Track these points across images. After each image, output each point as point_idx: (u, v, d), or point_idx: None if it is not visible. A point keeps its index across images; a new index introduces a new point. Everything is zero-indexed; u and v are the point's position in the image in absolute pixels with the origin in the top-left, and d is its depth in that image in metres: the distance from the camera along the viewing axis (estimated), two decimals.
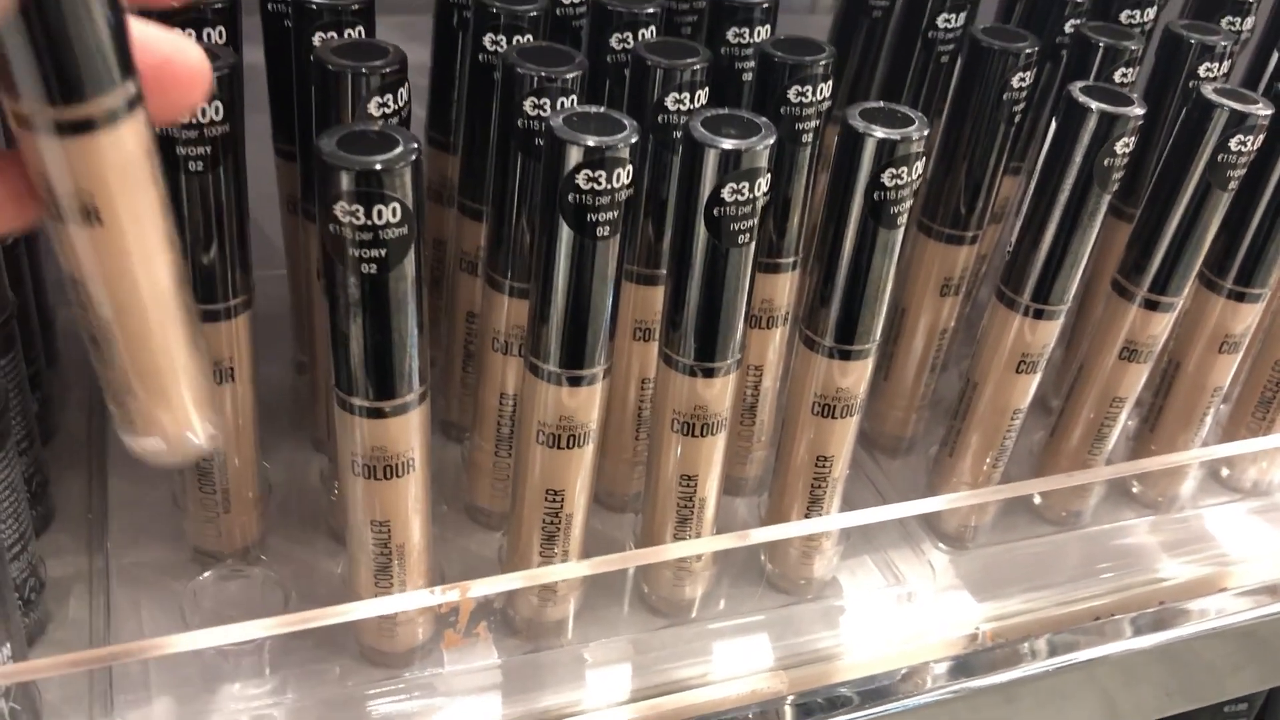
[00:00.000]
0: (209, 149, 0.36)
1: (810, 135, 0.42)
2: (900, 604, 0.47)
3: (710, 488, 0.42)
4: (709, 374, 0.39)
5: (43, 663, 0.35)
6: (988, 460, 0.48)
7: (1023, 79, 0.45)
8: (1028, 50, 0.44)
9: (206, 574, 0.43)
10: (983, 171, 0.47)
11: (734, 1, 0.45)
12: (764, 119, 0.36)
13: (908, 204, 0.38)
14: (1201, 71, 0.48)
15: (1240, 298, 0.48)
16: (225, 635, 0.34)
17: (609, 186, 0.34)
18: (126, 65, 0.20)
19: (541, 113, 0.38)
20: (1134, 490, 0.54)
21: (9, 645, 0.35)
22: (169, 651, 0.33)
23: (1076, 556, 0.50)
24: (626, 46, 0.43)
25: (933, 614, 0.46)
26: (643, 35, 0.43)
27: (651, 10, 0.43)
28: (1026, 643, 0.46)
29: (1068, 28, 0.50)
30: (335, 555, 0.45)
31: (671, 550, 0.41)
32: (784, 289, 0.45)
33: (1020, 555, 0.50)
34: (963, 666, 0.45)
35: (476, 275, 0.47)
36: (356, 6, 0.41)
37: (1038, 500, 0.52)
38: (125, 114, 0.20)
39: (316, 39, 0.41)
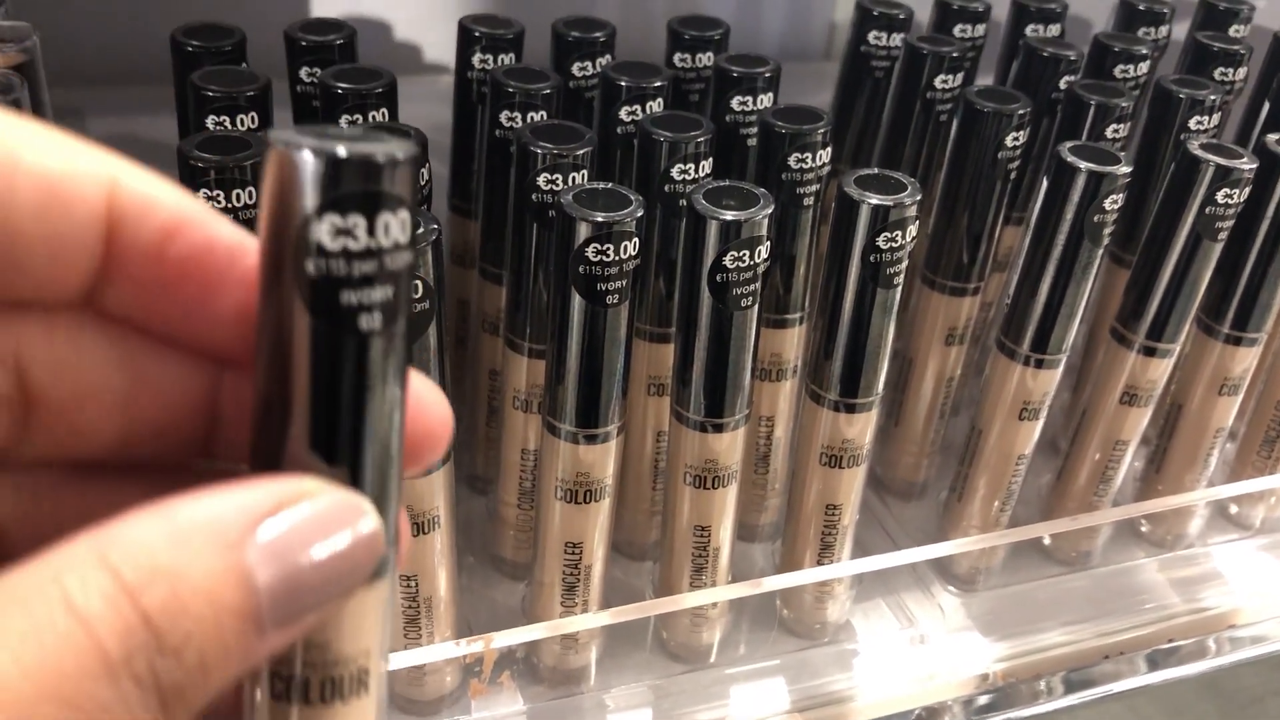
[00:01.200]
0: None
1: (811, 199, 0.44)
2: (913, 646, 0.48)
3: (723, 537, 0.44)
4: (718, 429, 0.41)
5: None
6: (995, 504, 0.50)
7: (1016, 138, 0.47)
8: (1020, 111, 0.46)
9: None
10: (981, 226, 0.49)
11: (737, 72, 0.47)
12: (762, 190, 0.38)
13: (903, 265, 0.40)
14: (1192, 124, 0.50)
15: (1238, 342, 0.49)
16: None
17: (617, 258, 0.36)
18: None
19: (554, 187, 0.40)
20: (1143, 529, 0.55)
21: None
22: None
23: (1086, 595, 0.52)
24: (635, 118, 0.45)
25: (944, 655, 0.48)
26: (650, 107, 0.45)
27: (659, 83, 0.45)
28: (1040, 681, 0.47)
29: (1062, 84, 0.52)
30: None
31: (687, 599, 0.43)
32: (791, 343, 0.47)
33: (1030, 596, 0.51)
34: (976, 706, 0.46)
35: (497, 336, 0.49)
36: (380, 90, 0.43)
37: (1047, 541, 0.53)
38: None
39: (343, 121, 0.43)
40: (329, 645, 0.18)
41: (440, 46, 0.74)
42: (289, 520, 0.17)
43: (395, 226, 0.17)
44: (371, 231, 0.17)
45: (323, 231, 0.17)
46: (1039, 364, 0.46)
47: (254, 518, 0.16)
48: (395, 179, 0.17)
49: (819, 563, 0.46)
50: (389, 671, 0.41)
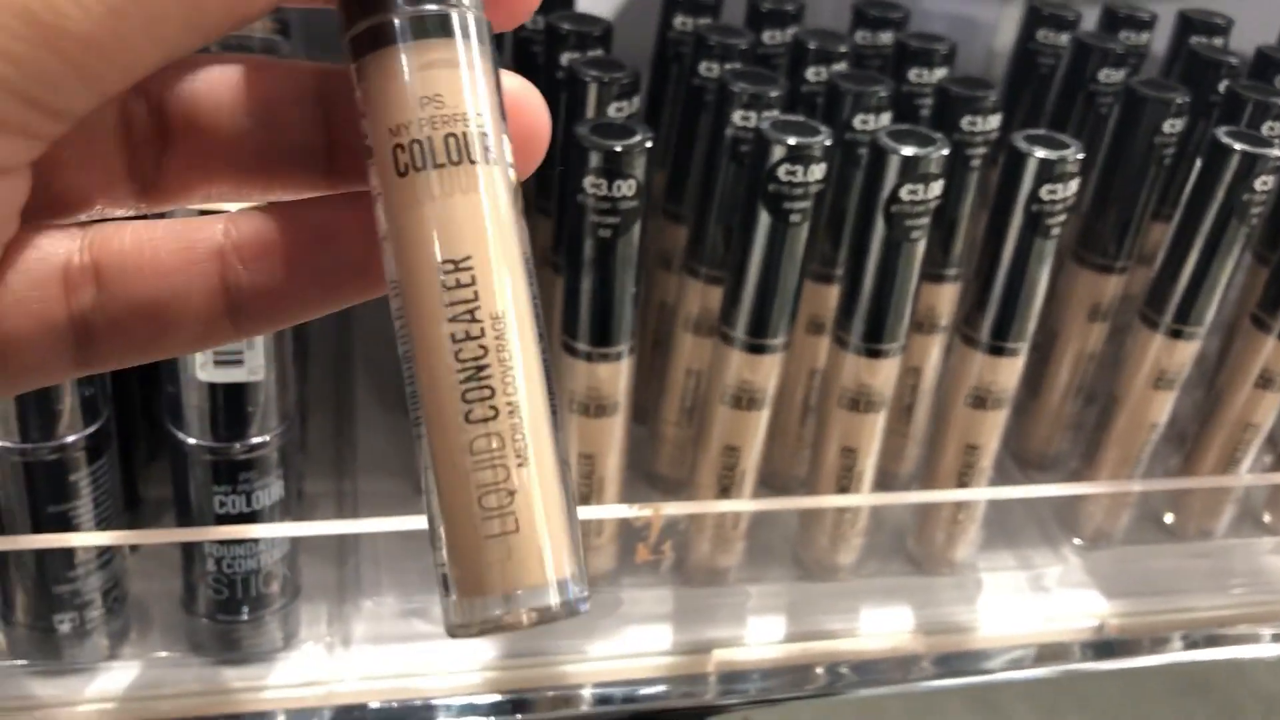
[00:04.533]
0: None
1: (978, 160, 0.48)
2: (1032, 591, 0.51)
3: (868, 463, 0.48)
4: (876, 354, 0.45)
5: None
6: (1125, 471, 0.53)
7: (1174, 125, 0.50)
8: (1179, 100, 0.50)
9: None
10: (1133, 207, 0.52)
11: (916, 46, 0.51)
12: (939, 134, 0.42)
13: (1061, 218, 0.44)
14: None
15: None
16: None
17: (804, 180, 0.41)
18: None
19: (748, 123, 0.45)
20: (1265, 520, 0.57)
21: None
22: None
23: (1203, 569, 0.54)
24: (821, 78, 0.50)
25: (1062, 603, 0.51)
26: (835, 69, 0.50)
27: (844, 49, 0.50)
28: (1152, 638, 0.50)
29: (1221, 87, 0.55)
30: None
31: (834, 500, 0.47)
32: (946, 298, 0.51)
33: (1149, 563, 0.54)
34: (1088, 652, 0.49)
35: (670, 271, 0.54)
36: (598, 33, 0.49)
37: (1169, 520, 0.56)
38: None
39: (565, 58, 0.49)
40: (441, 100, 0.18)
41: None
42: None
43: None
44: None
45: None
46: (1178, 334, 0.49)
47: None
48: None
49: (955, 506, 0.50)
50: None
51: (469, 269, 0.18)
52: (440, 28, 0.18)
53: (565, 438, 0.19)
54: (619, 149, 0.39)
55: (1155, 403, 0.51)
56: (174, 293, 0.19)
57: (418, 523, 0.44)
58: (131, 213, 0.20)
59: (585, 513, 0.43)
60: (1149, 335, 0.50)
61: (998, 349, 0.46)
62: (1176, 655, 0.50)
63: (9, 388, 0.19)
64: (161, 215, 0.21)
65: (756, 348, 0.44)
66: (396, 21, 0.18)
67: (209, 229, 0.19)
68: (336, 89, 0.20)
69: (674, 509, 0.43)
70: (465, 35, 0.18)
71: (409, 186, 0.18)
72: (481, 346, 0.18)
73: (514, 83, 0.20)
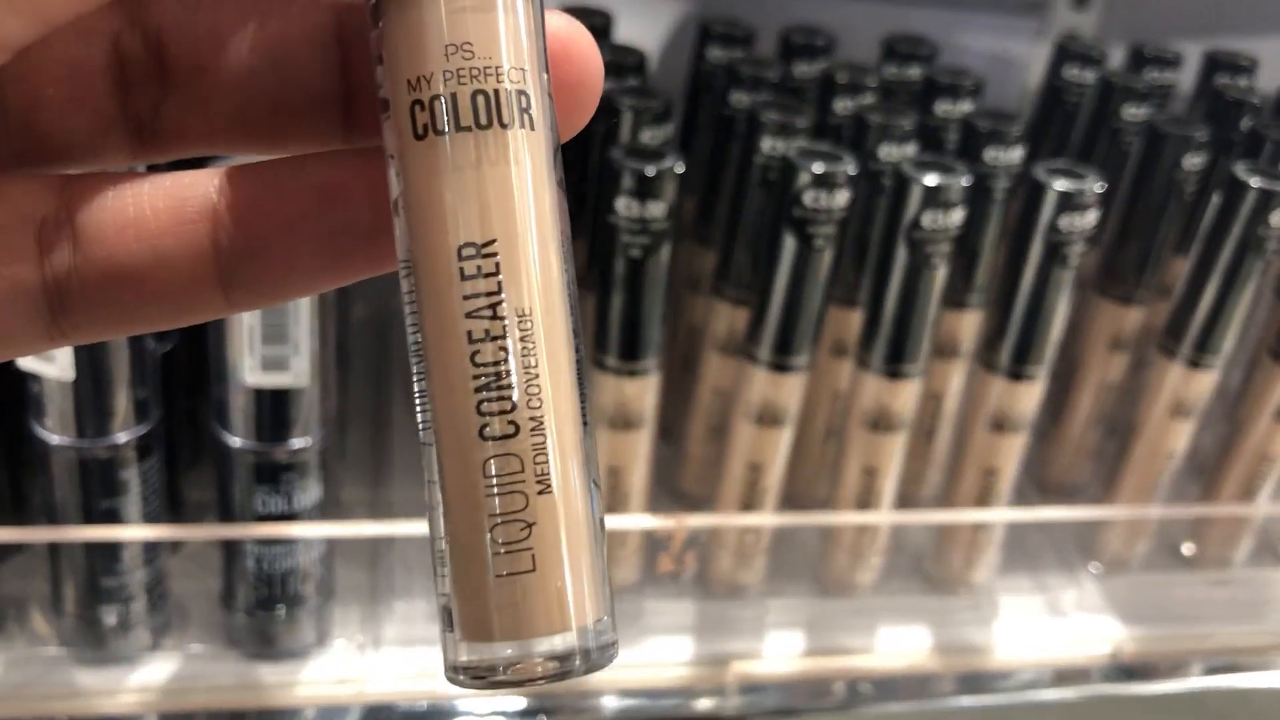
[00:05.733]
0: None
1: (1001, 193, 0.49)
2: (1049, 614, 0.52)
3: (888, 484, 0.49)
4: (897, 375, 0.46)
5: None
6: (1143, 501, 0.53)
7: (1194, 161, 0.51)
8: (1199, 137, 0.51)
9: None
10: (1153, 240, 0.53)
11: (943, 80, 0.53)
12: (961, 164, 0.43)
13: (1079, 248, 0.45)
14: None
15: None
16: None
17: (828, 206, 0.42)
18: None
19: (776, 151, 0.46)
20: None
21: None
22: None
23: (1220, 600, 0.55)
24: (848, 110, 0.51)
25: (1079, 627, 0.52)
26: (863, 100, 0.51)
27: (872, 82, 0.52)
28: (1170, 663, 0.51)
29: (1243, 125, 0.56)
30: None
31: (854, 518, 0.48)
32: (968, 326, 0.52)
33: (1166, 591, 0.55)
34: (1105, 674, 0.50)
35: (698, 294, 0.55)
36: (634, 63, 0.51)
37: (1187, 551, 0.57)
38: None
39: None
40: (471, 49, 0.15)
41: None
42: None
43: None
44: None
45: None
46: (1195, 364, 0.50)
47: None
48: None
49: (974, 527, 0.51)
50: None
51: (493, 255, 0.15)
52: None
53: (595, 456, 0.16)
54: (651, 172, 0.41)
55: (1173, 432, 0.52)
56: (159, 257, 0.17)
57: None
58: (124, 165, 0.18)
59: (610, 523, 0.44)
60: (1167, 364, 0.51)
61: (1017, 374, 0.47)
62: (1192, 681, 0.50)
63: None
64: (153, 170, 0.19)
65: (780, 366, 0.46)
66: None
67: (203, 185, 0.17)
68: (357, 28, 0.17)
69: (697, 521, 0.44)
70: None
71: (427, 152, 0.15)
72: (502, 349, 0.15)
73: (560, 22, 0.17)
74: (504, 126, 0.15)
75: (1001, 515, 0.49)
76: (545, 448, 0.15)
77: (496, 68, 0.15)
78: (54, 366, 0.39)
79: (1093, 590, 0.54)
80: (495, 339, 0.15)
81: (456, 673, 0.15)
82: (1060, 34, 0.60)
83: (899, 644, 0.50)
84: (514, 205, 0.15)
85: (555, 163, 0.16)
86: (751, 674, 0.47)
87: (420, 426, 0.16)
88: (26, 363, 0.39)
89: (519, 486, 0.15)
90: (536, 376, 0.15)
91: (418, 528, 0.43)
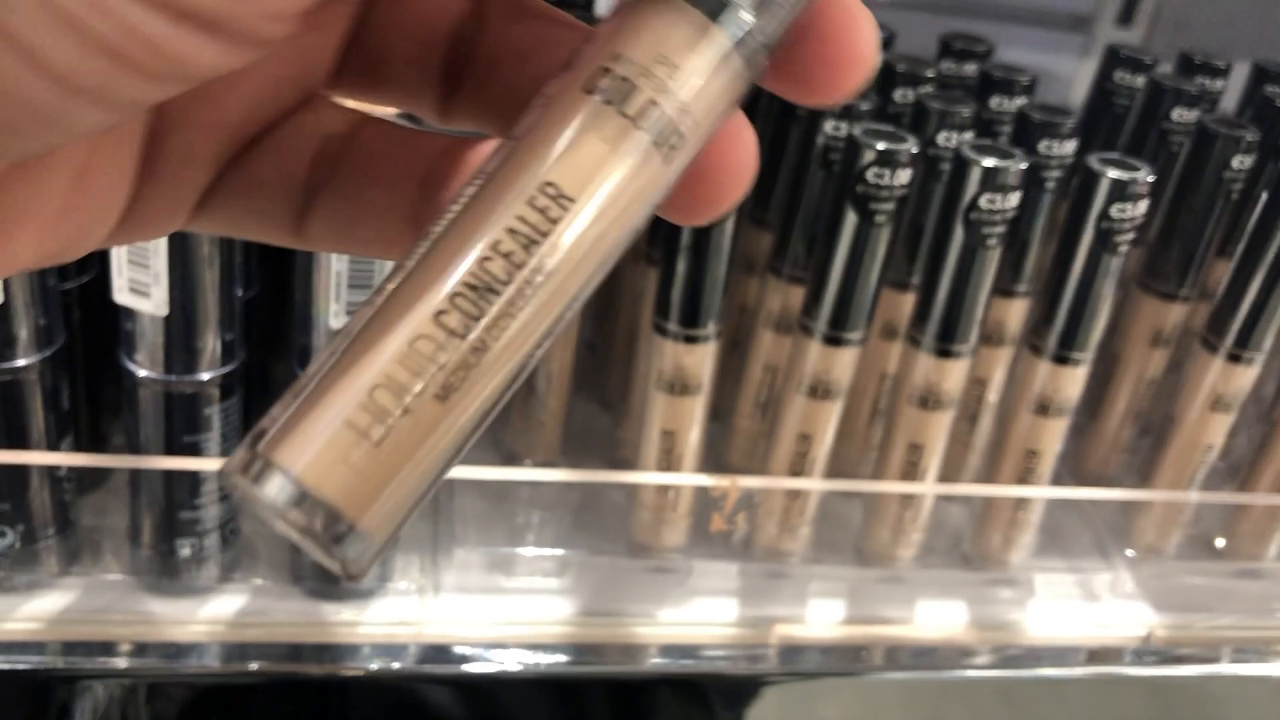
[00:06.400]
0: None
1: (1053, 184, 0.51)
2: (1083, 597, 0.54)
3: (933, 461, 0.50)
4: (946, 355, 0.48)
5: None
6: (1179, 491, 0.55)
7: (1242, 162, 0.53)
8: (1248, 138, 0.52)
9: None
10: (1199, 238, 0.55)
11: (998, 76, 0.54)
12: (1018, 149, 0.45)
13: (1129, 236, 0.47)
14: None
15: None
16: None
17: (889, 183, 0.44)
18: None
19: (839, 132, 0.48)
20: None
21: None
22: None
23: (1252, 591, 0.56)
24: (908, 100, 0.53)
25: (1113, 611, 0.53)
26: (920, 91, 0.53)
27: (930, 73, 0.53)
28: (1199, 648, 0.52)
29: None
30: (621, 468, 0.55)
31: (900, 487, 0.50)
32: (1015, 313, 0.54)
33: (1199, 580, 0.56)
34: (1138, 656, 0.51)
35: (753, 276, 0.57)
36: None
37: (1220, 544, 0.58)
38: None
39: None
40: (672, 71, 0.17)
41: None
42: None
43: None
44: None
45: None
46: (1236, 359, 0.51)
47: None
48: None
49: (1014, 509, 0.52)
50: (636, 520, 0.47)
51: (564, 208, 0.16)
52: (723, 20, 0.17)
53: (484, 427, 0.16)
54: None
55: (1211, 425, 0.53)
56: (383, 194, 0.20)
57: (510, 474, 0.48)
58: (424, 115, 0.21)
59: (666, 479, 0.46)
60: (1208, 358, 0.52)
61: (1063, 358, 0.49)
62: (1222, 668, 0.51)
63: (237, 226, 0.20)
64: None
65: (835, 340, 0.47)
66: None
67: (426, 145, 0.20)
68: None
69: (750, 482, 0.46)
70: (738, 44, 0.17)
71: (582, 102, 0.17)
72: (509, 272, 0.16)
73: (740, 124, 0.18)
74: (652, 141, 0.17)
75: (1042, 492, 0.51)
76: (470, 375, 0.16)
77: (679, 99, 0.17)
78: (149, 303, 0.41)
79: (1127, 576, 0.55)
80: (513, 262, 0.16)
81: (223, 475, 0.16)
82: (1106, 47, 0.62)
83: (936, 617, 0.51)
84: (607, 192, 0.16)
85: (654, 202, 0.17)
86: (793, 637, 0.49)
87: (384, 277, 0.17)
88: (123, 298, 0.41)
89: (427, 374, 0.15)
90: (511, 323, 0.16)
91: (481, 473, 0.45)
